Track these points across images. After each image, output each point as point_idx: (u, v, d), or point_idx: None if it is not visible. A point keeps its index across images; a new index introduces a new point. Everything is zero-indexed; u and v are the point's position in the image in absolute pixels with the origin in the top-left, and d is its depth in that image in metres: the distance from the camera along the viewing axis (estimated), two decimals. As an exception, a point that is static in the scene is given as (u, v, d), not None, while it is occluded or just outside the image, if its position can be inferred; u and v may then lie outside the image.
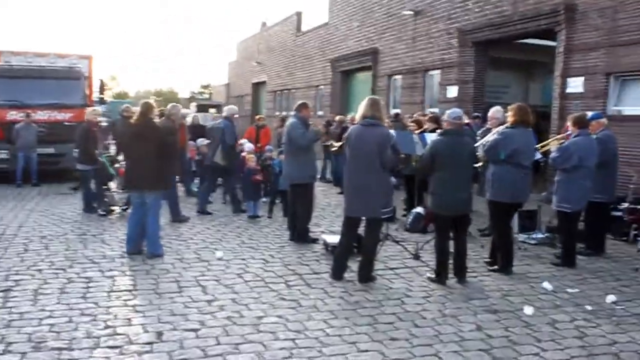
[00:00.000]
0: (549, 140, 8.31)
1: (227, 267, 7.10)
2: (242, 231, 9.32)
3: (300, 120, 8.59)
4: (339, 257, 6.78)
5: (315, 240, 8.64)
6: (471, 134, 9.13)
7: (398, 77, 20.84)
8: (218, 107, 34.39)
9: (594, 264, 7.89)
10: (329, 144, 9.53)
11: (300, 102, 8.98)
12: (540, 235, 9.08)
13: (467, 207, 6.82)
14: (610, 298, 6.28)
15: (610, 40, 12.53)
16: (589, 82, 13.08)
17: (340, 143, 10.12)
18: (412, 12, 19.44)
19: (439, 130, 7.21)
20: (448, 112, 6.82)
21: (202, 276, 6.67)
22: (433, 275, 6.80)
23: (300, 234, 8.66)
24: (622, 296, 6.41)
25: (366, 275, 6.64)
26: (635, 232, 9.28)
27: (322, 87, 26.76)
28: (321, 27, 26.95)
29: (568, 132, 8.02)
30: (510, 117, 7.30)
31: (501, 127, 7.60)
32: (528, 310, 5.79)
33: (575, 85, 13.44)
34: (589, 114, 8.51)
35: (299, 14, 29.78)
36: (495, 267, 7.31)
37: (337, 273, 6.73)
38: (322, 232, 9.33)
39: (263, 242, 8.59)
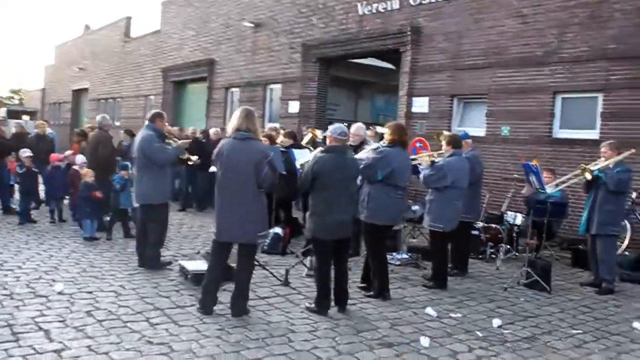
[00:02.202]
0: (421, 154, 8.08)
1: (72, 303, 5.85)
2: (81, 257, 7.99)
3: (155, 132, 7.59)
4: (207, 288, 5.87)
5: (168, 265, 7.64)
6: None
7: (236, 89, 20.14)
8: (33, 114, 31.15)
9: (462, 284, 7.78)
10: (186, 157, 8.59)
11: (154, 111, 8.00)
12: (404, 256, 8.85)
13: (350, 231, 6.28)
14: (496, 322, 6.06)
15: (455, 64, 12.92)
16: (434, 103, 13.40)
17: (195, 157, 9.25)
18: (252, 24, 18.90)
19: (320, 148, 6.62)
20: (331, 127, 6.23)
21: (41, 316, 5.38)
22: (312, 305, 6.14)
23: (151, 260, 7.60)
24: (503, 319, 6.22)
25: (240, 309, 5.81)
26: (492, 250, 9.44)
27: (152, 96, 25.21)
28: (153, 34, 25.46)
29: (441, 151, 7.84)
30: (387, 135, 6.92)
31: (376, 145, 7.21)
32: (424, 341, 5.34)
33: (420, 105, 13.70)
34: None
35: (128, 19, 27.92)
36: (371, 292, 6.85)
37: (207, 307, 5.82)
38: (174, 256, 8.33)
39: (108, 269, 7.39)
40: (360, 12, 15.24)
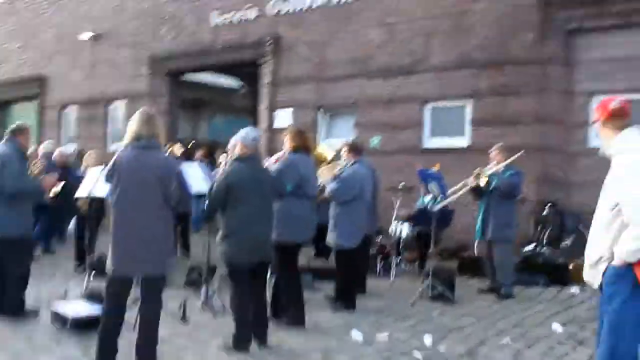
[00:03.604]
0: (320, 168, 7.52)
1: None
2: None
3: (17, 151, 6.26)
4: (106, 336, 4.80)
5: (35, 314, 6.38)
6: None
7: (73, 108, 18.31)
8: None
9: (367, 303, 7.32)
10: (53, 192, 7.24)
11: (17, 123, 6.58)
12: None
13: (271, 252, 5.57)
14: (428, 340, 5.69)
15: (320, 74, 12.64)
16: (298, 115, 12.99)
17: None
18: (90, 36, 17.31)
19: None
20: (242, 133, 5.48)
21: None
22: (230, 342, 5.33)
23: (14, 305, 6.28)
24: (429, 335, 5.86)
25: (149, 356, 4.85)
26: (382, 264, 9.16)
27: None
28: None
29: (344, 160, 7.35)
30: (288, 142, 6.28)
31: (280, 154, 6.58)
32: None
33: (284, 117, 13.22)
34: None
35: None
36: (286, 319, 6.18)
37: (107, 358, 4.81)
38: (35, 302, 7.00)
39: (-43, 324, 6.00)
40: (214, 23, 14.50)
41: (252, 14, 13.77)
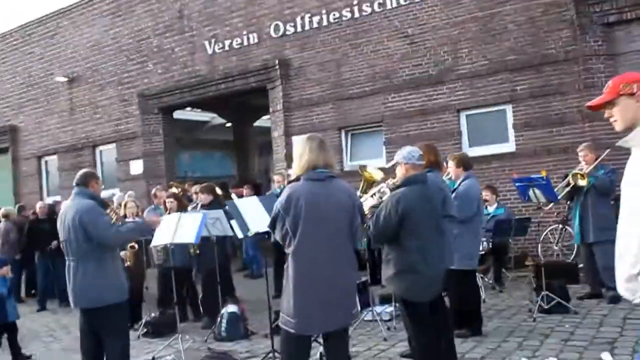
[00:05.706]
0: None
1: None
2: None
3: (95, 200, 5.22)
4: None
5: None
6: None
7: (53, 157, 17.17)
8: None
9: (488, 324, 6.80)
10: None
11: (85, 170, 5.61)
12: (388, 309, 7.55)
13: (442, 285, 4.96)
14: (607, 357, 5.24)
15: (337, 94, 12.16)
16: (319, 139, 12.42)
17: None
18: (65, 79, 16.30)
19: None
20: (403, 152, 4.86)
21: None
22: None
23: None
24: (593, 351, 5.43)
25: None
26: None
27: None
28: None
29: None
30: (424, 157, 5.68)
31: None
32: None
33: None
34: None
35: None
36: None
37: None
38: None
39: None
40: (210, 52, 13.84)
41: (253, 38, 13.20)
